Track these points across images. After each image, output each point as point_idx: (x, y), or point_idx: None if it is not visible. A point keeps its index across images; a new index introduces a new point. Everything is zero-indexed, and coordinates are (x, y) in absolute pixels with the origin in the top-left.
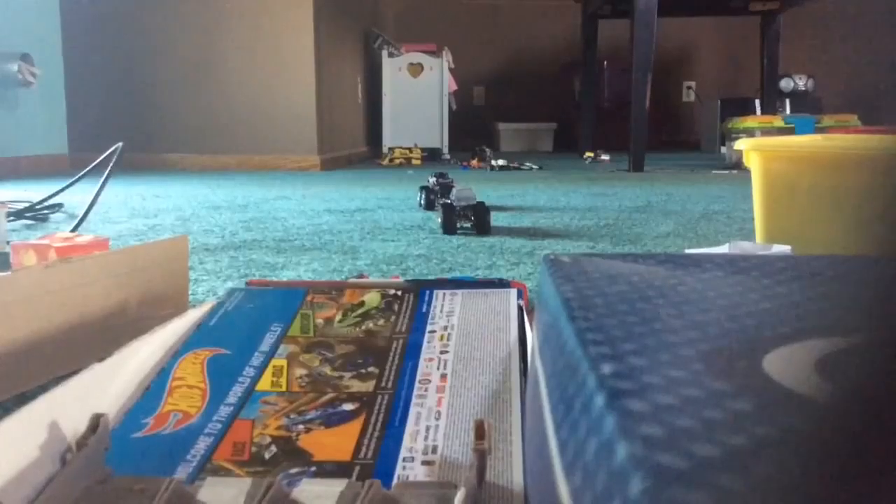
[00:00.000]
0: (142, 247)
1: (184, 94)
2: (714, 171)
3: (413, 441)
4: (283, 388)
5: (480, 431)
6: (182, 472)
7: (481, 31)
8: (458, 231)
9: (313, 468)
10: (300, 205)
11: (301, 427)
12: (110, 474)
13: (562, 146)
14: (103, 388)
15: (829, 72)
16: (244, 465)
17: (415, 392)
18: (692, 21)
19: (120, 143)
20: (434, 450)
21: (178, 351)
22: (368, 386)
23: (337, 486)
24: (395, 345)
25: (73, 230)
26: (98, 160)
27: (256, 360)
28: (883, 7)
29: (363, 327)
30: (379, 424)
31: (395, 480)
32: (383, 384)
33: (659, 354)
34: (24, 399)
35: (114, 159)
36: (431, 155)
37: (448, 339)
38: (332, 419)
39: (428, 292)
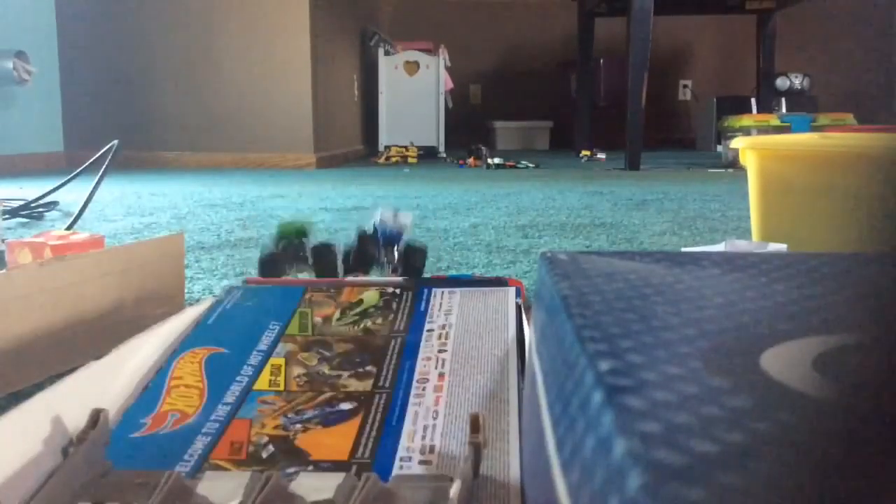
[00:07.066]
0: (137, 245)
1: (180, 91)
2: (710, 170)
3: (410, 440)
4: (281, 388)
5: (476, 424)
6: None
7: (478, 30)
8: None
9: (310, 467)
10: (296, 203)
11: (298, 426)
12: (111, 468)
13: (558, 144)
14: (102, 386)
15: (825, 70)
16: (241, 464)
17: (412, 391)
18: (688, 19)
19: (116, 141)
20: (431, 449)
21: (176, 349)
22: (366, 385)
23: (334, 479)
24: (393, 343)
25: (69, 228)
26: (94, 158)
27: (254, 358)
28: (879, 6)
29: (361, 326)
30: (376, 424)
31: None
32: (381, 383)
33: (657, 351)
34: (18, 397)
35: (109, 157)
36: (428, 153)
37: (446, 338)
38: (330, 418)
39: (426, 290)
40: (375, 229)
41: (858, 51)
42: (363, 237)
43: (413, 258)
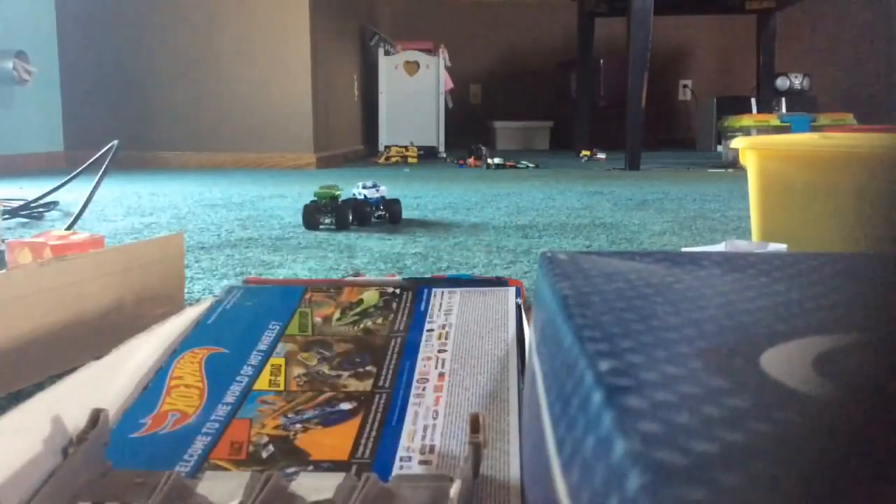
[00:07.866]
0: (137, 245)
1: (180, 91)
2: (710, 170)
3: (410, 440)
4: (281, 388)
5: (476, 424)
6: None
7: (478, 30)
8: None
9: (310, 467)
10: (296, 203)
11: (298, 426)
12: (111, 468)
13: (558, 144)
14: (102, 386)
15: (825, 70)
16: (241, 464)
17: (412, 391)
18: (688, 19)
19: (116, 141)
20: (431, 449)
21: (176, 349)
22: (366, 385)
23: (334, 479)
24: (393, 343)
25: (69, 228)
26: (94, 158)
27: (254, 358)
28: (879, 6)
29: (361, 326)
30: (376, 424)
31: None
32: (381, 383)
33: (657, 352)
34: (18, 397)
35: (109, 157)
36: (428, 153)
37: (446, 338)
38: (330, 419)
39: (426, 290)
40: (365, 197)
41: (858, 51)
42: (357, 202)
43: (393, 208)
